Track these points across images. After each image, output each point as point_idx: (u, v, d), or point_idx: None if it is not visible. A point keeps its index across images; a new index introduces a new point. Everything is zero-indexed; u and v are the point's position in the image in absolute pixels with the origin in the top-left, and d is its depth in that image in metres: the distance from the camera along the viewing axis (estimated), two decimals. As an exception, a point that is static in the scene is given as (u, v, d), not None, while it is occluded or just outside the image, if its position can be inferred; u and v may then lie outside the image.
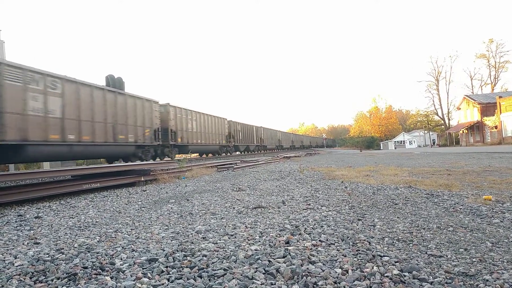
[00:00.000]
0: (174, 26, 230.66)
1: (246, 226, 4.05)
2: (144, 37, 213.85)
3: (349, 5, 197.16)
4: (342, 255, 2.88)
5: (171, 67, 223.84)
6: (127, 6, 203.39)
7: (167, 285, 2.40)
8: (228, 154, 30.56)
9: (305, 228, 3.80)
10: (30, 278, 2.63)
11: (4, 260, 3.12)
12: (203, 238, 3.62)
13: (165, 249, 3.21)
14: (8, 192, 6.86)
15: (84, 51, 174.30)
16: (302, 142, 69.77)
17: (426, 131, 66.01)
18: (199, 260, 2.85)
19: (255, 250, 3.07)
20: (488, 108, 46.37)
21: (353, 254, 2.91)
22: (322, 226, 3.91)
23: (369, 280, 2.38)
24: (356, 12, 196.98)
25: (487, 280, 2.37)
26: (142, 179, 10.07)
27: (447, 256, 2.89)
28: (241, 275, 2.49)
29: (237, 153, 34.08)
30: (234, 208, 5.42)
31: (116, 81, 15.93)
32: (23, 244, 3.81)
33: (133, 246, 3.39)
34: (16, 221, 5.18)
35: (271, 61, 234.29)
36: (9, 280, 2.59)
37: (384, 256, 2.85)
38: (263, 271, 2.55)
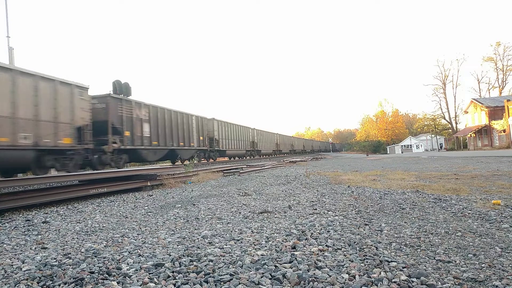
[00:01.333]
0: (177, 30, 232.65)
1: (252, 231, 4.04)
2: (144, 40, 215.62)
3: (355, 9, 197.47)
4: (349, 260, 2.86)
5: (177, 72, 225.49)
6: (127, 9, 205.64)
7: (173, 290, 2.40)
8: (88, 168, 13.47)
9: (312, 233, 3.79)
10: (38, 283, 2.65)
11: (12, 265, 3.15)
12: (209, 243, 3.62)
13: (171, 254, 3.22)
14: (16, 197, 6.93)
15: (83, 54, 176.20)
16: (293, 145, 54.95)
17: (433, 135, 65.48)
18: (205, 265, 2.85)
19: (262, 255, 3.06)
20: (496, 111, 45.89)
21: (360, 260, 2.89)
22: (328, 231, 3.89)
23: (377, 286, 2.36)
24: (362, 16, 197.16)
25: (497, 286, 2.34)
26: (149, 184, 10.12)
27: (455, 261, 2.86)
28: (247, 280, 2.48)
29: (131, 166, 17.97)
30: (240, 213, 5.41)
31: (123, 86, 16.06)
32: (30, 248, 3.84)
33: (139, 251, 3.40)
34: (24, 226, 5.23)
35: (277, 67, 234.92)
36: (17, 285, 2.61)
37: (391, 261, 2.82)
38: (270, 276, 2.54)
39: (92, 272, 2.77)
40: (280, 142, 47.27)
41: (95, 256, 3.28)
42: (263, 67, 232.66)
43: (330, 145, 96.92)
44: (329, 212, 5.11)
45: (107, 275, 2.70)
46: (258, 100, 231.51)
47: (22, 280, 2.69)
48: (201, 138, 23.11)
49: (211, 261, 2.96)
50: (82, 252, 3.47)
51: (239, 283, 2.43)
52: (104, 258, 3.21)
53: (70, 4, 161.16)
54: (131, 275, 2.69)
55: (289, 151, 52.86)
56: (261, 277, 2.52)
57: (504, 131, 43.52)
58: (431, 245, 3.33)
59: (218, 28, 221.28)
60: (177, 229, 4.45)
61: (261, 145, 38.14)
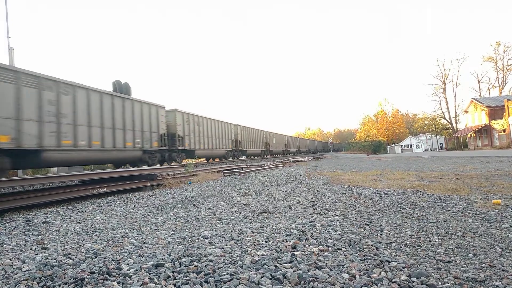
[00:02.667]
0: (178, 30, 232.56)
1: (252, 231, 4.04)
2: (144, 40, 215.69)
3: (355, 9, 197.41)
4: (349, 260, 2.86)
5: (179, 73, 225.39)
6: (131, 11, 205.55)
7: (173, 290, 2.40)
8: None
9: (312, 233, 3.79)
10: (38, 283, 2.65)
11: (12, 265, 3.15)
12: (210, 243, 3.61)
13: (171, 254, 3.22)
14: (17, 197, 6.92)
15: (83, 55, 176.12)
16: (287, 145, 47.17)
17: (433, 135, 65.45)
18: (205, 265, 2.84)
19: (262, 255, 3.06)
20: (496, 111, 45.88)
21: (360, 259, 2.89)
22: (329, 231, 3.89)
23: (377, 286, 2.36)
24: (363, 16, 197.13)
25: (497, 286, 2.33)
26: (149, 184, 10.11)
27: (456, 261, 2.86)
28: (248, 280, 2.48)
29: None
30: (240, 213, 5.41)
31: (123, 86, 16.05)
32: (31, 249, 3.83)
33: (140, 251, 3.39)
34: (24, 226, 5.23)
35: (278, 67, 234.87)
36: (17, 285, 2.61)
37: (391, 261, 2.82)
38: (270, 277, 2.54)
39: (92, 273, 2.77)
40: (271, 141, 41.85)
41: (95, 256, 3.28)
42: (264, 68, 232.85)
43: (330, 145, 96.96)
44: (329, 212, 5.10)
45: (107, 275, 2.70)
46: (258, 100, 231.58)
47: (22, 280, 2.69)
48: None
49: (211, 261, 2.96)
50: (82, 252, 3.47)
51: (239, 283, 2.43)
52: (104, 258, 3.20)
53: (71, 4, 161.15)
54: (131, 275, 2.69)
55: (282, 151, 47.54)
56: (261, 277, 2.52)
57: (504, 130, 43.51)
58: (431, 245, 3.33)
59: (219, 28, 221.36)
60: (177, 229, 4.44)
61: (246, 144, 32.24)
